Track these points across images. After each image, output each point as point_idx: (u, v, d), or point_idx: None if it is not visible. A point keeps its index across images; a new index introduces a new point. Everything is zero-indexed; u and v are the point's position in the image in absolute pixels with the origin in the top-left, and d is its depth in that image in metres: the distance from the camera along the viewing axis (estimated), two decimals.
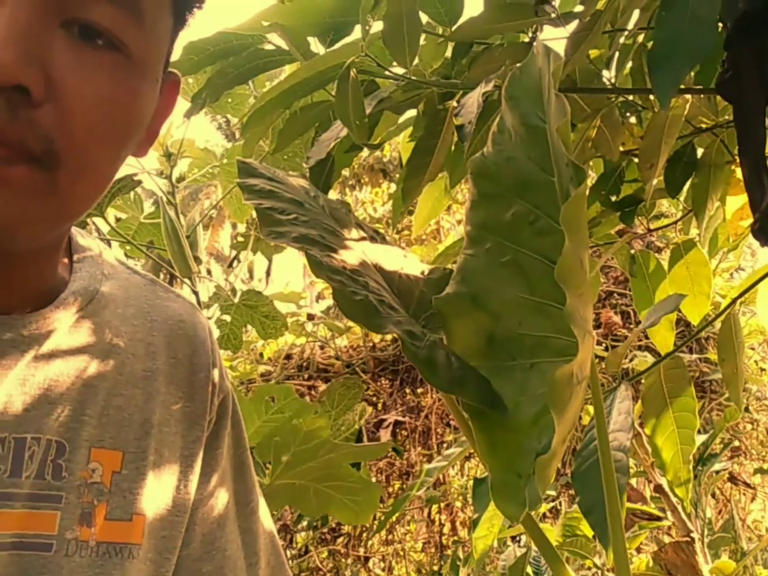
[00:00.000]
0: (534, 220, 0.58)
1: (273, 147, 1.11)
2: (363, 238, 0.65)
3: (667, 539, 1.52)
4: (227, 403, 0.67)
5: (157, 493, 0.58)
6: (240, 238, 1.45)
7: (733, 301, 0.98)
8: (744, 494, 3.11)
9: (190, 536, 0.61)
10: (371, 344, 4.50)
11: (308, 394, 4.25)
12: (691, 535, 1.22)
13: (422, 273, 0.69)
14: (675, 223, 1.40)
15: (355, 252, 0.62)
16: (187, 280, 1.26)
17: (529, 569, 1.28)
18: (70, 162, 0.46)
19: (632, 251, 1.54)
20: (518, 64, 0.60)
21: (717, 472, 1.94)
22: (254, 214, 1.66)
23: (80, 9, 0.46)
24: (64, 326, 0.55)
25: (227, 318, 1.46)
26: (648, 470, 1.26)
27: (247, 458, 0.70)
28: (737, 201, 1.39)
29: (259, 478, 1.08)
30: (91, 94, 0.46)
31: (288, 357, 3.79)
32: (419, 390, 4.63)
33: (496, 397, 0.53)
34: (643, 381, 1.00)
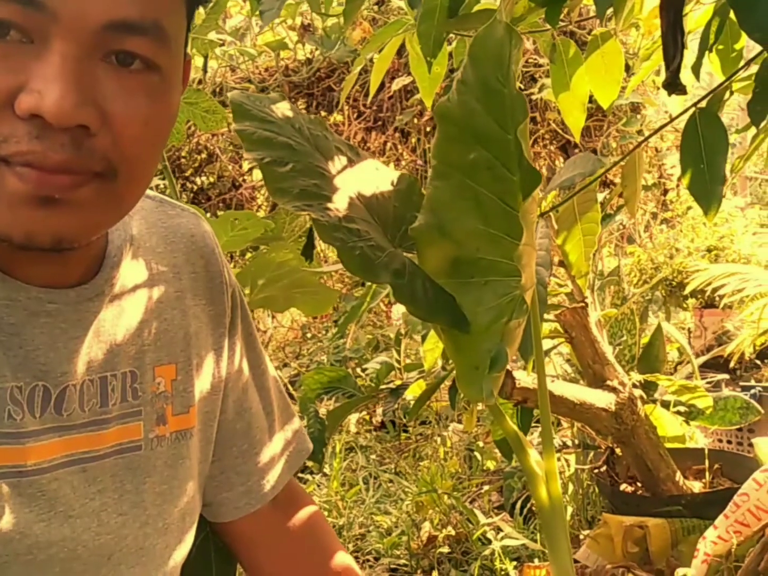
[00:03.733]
0: (491, 167, 0.72)
1: None
2: (344, 167, 0.77)
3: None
4: (236, 295, 0.82)
5: (201, 384, 0.75)
6: None
7: (638, 144, 1.13)
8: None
9: (225, 405, 0.80)
10: (284, 66, 4.42)
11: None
12: (585, 300, 1.51)
13: (392, 183, 0.82)
14: (594, 17, 1.47)
15: (343, 191, 0.74)
16: None
17: None
18: (126, 173, 0.55)
19: (553, 39, 1.62)
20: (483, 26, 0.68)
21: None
22: None
23: (118, 43, 0.53)
24: (118, 280, 0.67)
25: None
26: (554, 249, 1.50)
27: (253, 330, 0.87)
28: None
29: None
30: (136, 116, 0.54)
31: (200, 82, 3.73)
32: (336, 115, 4.68)
33: (461, 319, 0.71)
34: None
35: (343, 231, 0.69)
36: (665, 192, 3.71)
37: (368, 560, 1.78)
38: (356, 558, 1.78)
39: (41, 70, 0.49)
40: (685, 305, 4.44)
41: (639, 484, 1.57)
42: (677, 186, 3.64)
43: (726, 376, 2.47)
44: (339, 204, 0.72)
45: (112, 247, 0.68)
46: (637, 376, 1.78)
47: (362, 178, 0.78)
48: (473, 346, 0.74)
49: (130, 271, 0.69)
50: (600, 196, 2.12)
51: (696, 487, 1.57)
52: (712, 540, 1.21)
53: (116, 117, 0.53)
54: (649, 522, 1.39)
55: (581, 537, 1.54)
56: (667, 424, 1.78)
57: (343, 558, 0.91)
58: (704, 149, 1.00)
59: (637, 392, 1.60)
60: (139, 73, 0.54)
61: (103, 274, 0.66)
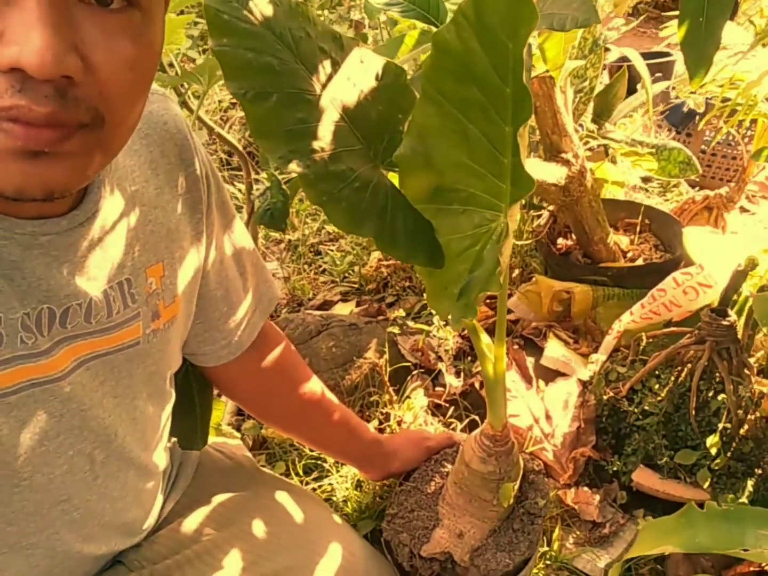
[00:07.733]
0: (483, 108, 0.68)
1: None
2: (329, 78, 0.71)
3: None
4: (209, 173, 0.82)
5: (185, 272, 0.79)
6: None
7: None
8: None
9: (207, 279, 0.85)
10: None
11: None
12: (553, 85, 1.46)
13: (377, 78, 0.76)
14: None
15: (328, 114, 0.70)
16: None
17: None
18: (113, 119, 0.53)
19: None
20: None
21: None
22: None
23: None
24: (105, 199, 0.67)
25: None
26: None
27: (226, 197, 0.87)
28: None
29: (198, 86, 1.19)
30: (120, 60, 0.51)
31: None
32: None
33: (437, 258, 0.74)
34: None
35: (330, 180, 0.68)
36: None
37: (325, 277, 1.96)
38: (315, 279, 1.95)
39: (17, 19, 0.45)
40: None
41: (574, 237, 1.71)
42: None
43: None
44: (324, 138, 0.69)
45: None
46: (590, 125, 1.80)
47: (347, 85, 0.73)
48: (445, 269, 0.78)
49: (113, 184, 0.69)
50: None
51: (623, 242, 1.72)
52: (627, 322, 1.39)
53: (100, 65, 0.50)
54: (575, 288, 1.55)
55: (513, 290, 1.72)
56: (611, 171, 1.86)
57: (311, 384, 1.05)
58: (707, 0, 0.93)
59: (589, 131, 1.64)
60: (119, 13, 0.50)
61: (91, 196, 0.66)
